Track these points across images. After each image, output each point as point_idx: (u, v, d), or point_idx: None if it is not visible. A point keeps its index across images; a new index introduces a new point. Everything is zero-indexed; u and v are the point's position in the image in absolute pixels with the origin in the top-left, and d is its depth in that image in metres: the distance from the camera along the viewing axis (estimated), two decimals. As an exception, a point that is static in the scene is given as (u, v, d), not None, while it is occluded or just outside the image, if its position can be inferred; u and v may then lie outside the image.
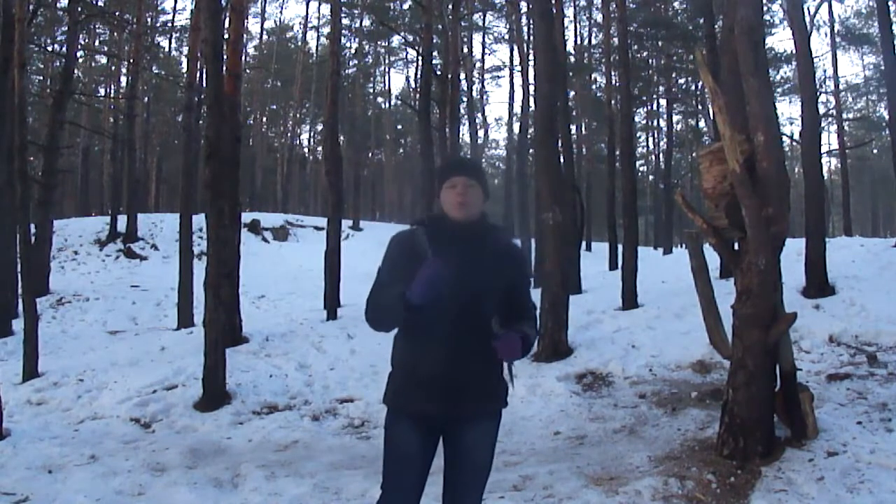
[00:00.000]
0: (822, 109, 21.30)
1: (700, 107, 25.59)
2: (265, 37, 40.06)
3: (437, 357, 2.32)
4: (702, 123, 26.48)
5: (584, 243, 18.58)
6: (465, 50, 29.12)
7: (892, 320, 7.21)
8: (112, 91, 31.43)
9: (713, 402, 5.54)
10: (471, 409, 2.40)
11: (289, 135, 39.14)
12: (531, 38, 18.44)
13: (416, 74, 30.34)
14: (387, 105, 42.35)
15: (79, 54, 22.89)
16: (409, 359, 2.38)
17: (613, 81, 20.33)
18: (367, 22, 33.60)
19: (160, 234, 22.33)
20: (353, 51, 35.94)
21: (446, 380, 2.34)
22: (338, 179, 11.98)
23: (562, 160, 9.73)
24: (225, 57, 8.47)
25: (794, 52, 15.60)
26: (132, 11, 21.70)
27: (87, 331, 13.44)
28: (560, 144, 9.80)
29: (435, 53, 16.41)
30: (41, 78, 27.90)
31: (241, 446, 5.69)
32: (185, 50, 26.59)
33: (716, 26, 12.39)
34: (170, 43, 33.56)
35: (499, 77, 38.17)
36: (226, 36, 9.22)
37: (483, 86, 36.83)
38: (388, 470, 2.44)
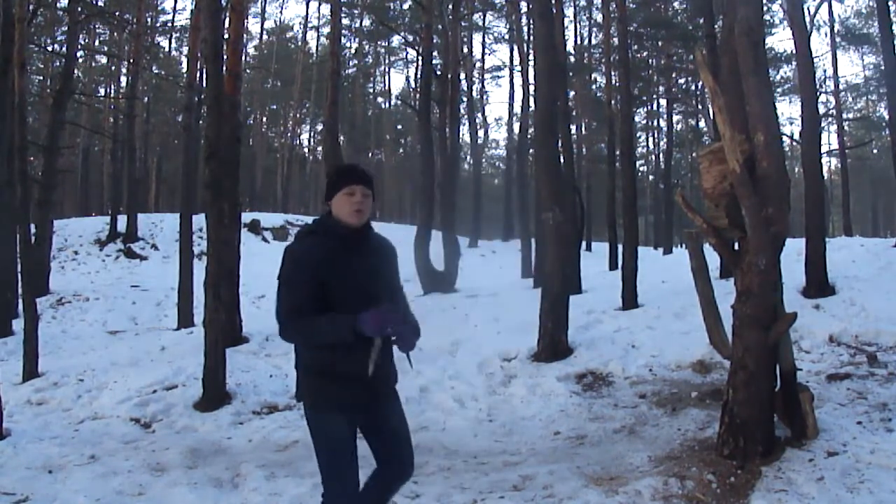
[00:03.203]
0: (822, 109, 21.31)
1: (700, 107, 25.57)
2: (265, 37, 40.17)
3: (363, 354, 2.52)
4: (702, 123, 26.49)
5: (584, 243, 18.57)
6: (465, 50, 29.17)
7: (892, 320, 7.19)
8: (112, 91, 31.49)
9: (713, 402, 5.53)
10: (387, 390, 2.74)
11: (289, 135, 39.19)
12: (531, 38, 18.47)
13: (416, 74, 30.44)
14: (387, 105, 42.46)
15: (79, 54, 22.91)
16: (333, 360, 2.56)
17: (613, 81, 20.32)
18: (367, 22, 33.69)
19: (160, 234, 22.34)
20: (353, 51, 36.03)
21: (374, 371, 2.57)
22: (338, 179, 11.97)
23: (562, 160, 9.73)
24: (225, 57, 8.47)
25: (794, 52, 15.61)
26: (132, 11, 21.74)
27: (87, 331, 13.46)
28: (560, 144, 9.79)
29: (435, 53, 16.42)
30: (41, 78, 27.93)
31: (241, 446, 5.69)
32: (185, 50, 26.68)
33: (716, 26, 12.36)
34: (170, 43, 33.67)
35: (499, 77, 38.35)
36: (226, 36, 9.21)
37: (483, 86, 36.97)
38: (337, 467, 2.62)
